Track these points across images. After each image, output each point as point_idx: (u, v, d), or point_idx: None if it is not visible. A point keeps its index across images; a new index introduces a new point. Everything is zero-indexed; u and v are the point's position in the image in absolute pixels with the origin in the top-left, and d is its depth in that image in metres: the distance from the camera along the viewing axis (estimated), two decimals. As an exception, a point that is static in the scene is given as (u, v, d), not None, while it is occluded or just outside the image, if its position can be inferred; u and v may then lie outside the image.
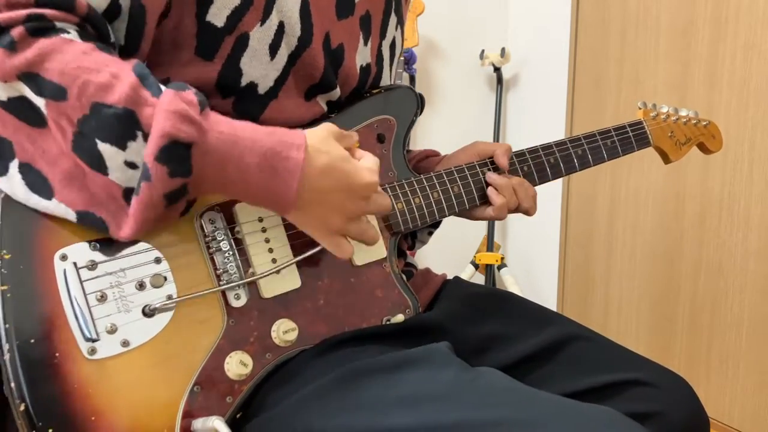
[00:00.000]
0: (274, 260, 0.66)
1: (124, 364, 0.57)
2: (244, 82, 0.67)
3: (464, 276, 2.14)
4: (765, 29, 1.55)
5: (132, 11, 0.59)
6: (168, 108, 0.53)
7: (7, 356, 0.54)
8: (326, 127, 0.61)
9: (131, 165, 0.54)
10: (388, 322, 0.72)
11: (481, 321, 0.80)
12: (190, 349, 0.61)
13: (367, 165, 0.61)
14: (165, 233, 0.61)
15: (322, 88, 0.73)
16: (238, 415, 0.63)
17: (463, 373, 0.57)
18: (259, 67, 0.67)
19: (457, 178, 0.81)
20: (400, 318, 0.73)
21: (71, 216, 0.56)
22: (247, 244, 0.65)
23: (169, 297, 0.60)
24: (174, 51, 0.64)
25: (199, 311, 0.62)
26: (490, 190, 0.82)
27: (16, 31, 0.52)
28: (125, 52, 0.61)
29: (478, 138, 1.11)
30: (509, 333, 0.78)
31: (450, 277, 0.91)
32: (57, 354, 0.55)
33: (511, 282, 2.15)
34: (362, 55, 0.77)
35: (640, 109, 0.97)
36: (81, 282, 0.57)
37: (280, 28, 0.67)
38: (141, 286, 0.60)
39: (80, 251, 0.58)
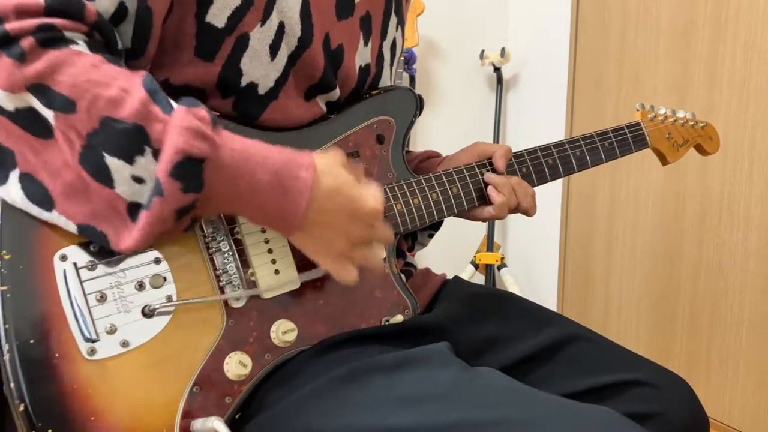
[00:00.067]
0: (273, 260, 0.66)
1: (123, 364, 0.57)
2: (244, 82, 0.67)
3: (464, 276, 2.14)
4: (765, 29, 1.55)
5: (138, 13, 0.59)
6: (181, 124, 0.53)
7: (6, 356, 0.54)
8: (334, 153, 0.62)
9: (138, 179, 0.54)
10: (387, 323, 0.73)
11: (480, 321, 0.80)
12: (190, 349, 0.61)
13: (372, 192, 0.61)
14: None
15: (322, 89, 0.73)
16: (237, 416, 0.63)
17: (462, 373, 0.58)
18: (259, 68, 0.67)
19: (456, 179, 0.81)
20: (399, 318, 0.73)
21: (72, 228, 0.56)
22: (246, 245, 0.65)
23: (169, 297, 0.61)
24: (174, 51, 0.64)
25: (199, 312, 0.62)
26: (489, 189, 0.82)
27: (26, 42, 0.52)
28: (132, 54, 0.61)
29: (478, 138, 1.11)
30: (509, 333, 0.78)
31: (450, 276, 0.91)
32: (56, 354, 0.55)
33: (511, 282, 2.15)
34: (362, 56, 0.77)
35: (638, 110, 0.98)
36: (81, 282, 0.57)
37: (281, 29, 0.67)
38: (140, 286, 0.60)
39: (80, 252, 0.58)
